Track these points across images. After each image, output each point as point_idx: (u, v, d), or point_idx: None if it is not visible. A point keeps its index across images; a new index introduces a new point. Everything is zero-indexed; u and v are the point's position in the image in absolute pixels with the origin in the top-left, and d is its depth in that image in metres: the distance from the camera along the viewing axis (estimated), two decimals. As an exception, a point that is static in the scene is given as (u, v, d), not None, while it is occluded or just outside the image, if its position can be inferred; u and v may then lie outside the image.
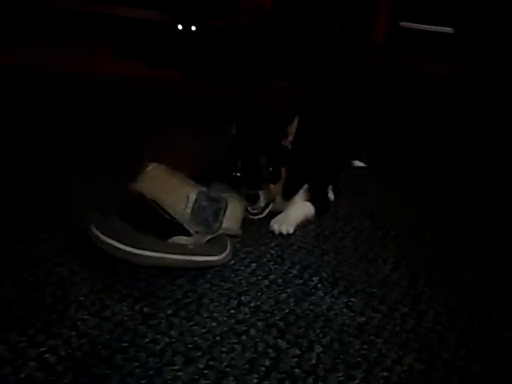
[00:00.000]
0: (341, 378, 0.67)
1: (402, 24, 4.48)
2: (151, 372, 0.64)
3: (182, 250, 0.85)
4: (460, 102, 3.24)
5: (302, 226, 1.11)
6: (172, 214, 0.88)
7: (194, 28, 3.57)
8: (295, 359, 0.69)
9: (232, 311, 0.78)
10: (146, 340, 0.69)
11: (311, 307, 0.82)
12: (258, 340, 0.72)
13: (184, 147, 1.49)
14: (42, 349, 0.65)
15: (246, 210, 1.02)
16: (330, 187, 1.29)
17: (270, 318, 0.77)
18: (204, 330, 0.73)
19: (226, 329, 0.74)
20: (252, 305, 0.80)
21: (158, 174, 0.92)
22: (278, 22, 4.29)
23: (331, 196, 1.28)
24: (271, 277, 0.89)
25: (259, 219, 1.06)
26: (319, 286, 0.88)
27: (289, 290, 0.86)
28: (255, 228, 1.06)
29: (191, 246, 0.86)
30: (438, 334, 0.79)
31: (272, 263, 0.94)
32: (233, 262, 0.92)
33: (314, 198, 1.16)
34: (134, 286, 0.82)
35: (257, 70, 3.12)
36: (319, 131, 1.37)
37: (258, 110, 2.17)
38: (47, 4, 4.00)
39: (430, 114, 2.81)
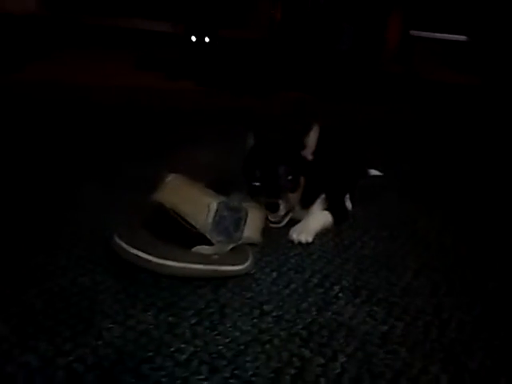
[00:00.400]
0: (366, 388, 0.66)
1: (413, 32, 4.49)
2: (179, 382, 0.64)
3: (206, 259, 0.86)
4: (476, 110, 3.21)
5: (321, 235, 1.11)
6: (193, 223, 0.88)
7: (207, 39, 3.62)
8: (320, 368, 0.69)
9: (255, 320, 0.78)
10: (172, 349, 0.70)
11: (334, 316, 0.81)
12: (281, 349, 0.72)
13: (202, 157, 1.51)
14: (70, 357, 0.66)
15: (266, 218, 1.02)
16: (348, 196, 1.29)
17: (292, 327, 0.77)
18: (228, 340, 0.73)
19: (249, 338, 0.74)
20: (274, 314, 0.80)
21: (177, 185, 0.93)
22: (289, 31, 4.33)
23: (349, 205, 1.28)
24: (292, 286, 0.90)
25: (277, 228, 1.07)
26: (341, 294, 0.88)
27: (310, 299, 0.86)
28: (274, 237, 1.06)
29: (215, 256, 0.87)
30: (463, 343, 0.78)
31: (293, 272, 0.94)
32: (253, 271, 0.93)
33: (332, 206, 1.17)
34: (157, 295, 0.82)
35: (269, 80, 3.14)
36: (336, 140, 1.38)
37: (273, 120, 2.18)
38: (72, 19, 4.11)
39: (443, 121, 2.79)
